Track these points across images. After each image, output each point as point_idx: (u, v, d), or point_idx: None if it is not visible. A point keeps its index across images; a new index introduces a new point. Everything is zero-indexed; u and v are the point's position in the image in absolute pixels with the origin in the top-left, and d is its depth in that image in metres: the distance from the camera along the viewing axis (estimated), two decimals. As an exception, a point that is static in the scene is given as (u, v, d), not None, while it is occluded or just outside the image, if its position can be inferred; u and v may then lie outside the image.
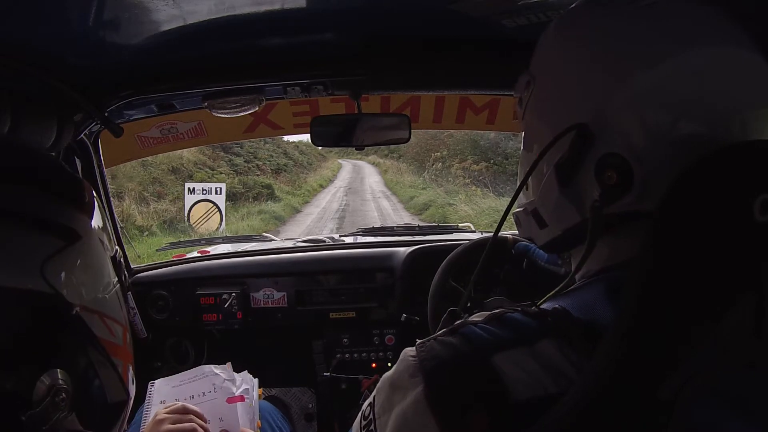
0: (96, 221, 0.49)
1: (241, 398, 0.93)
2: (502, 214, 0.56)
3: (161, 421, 0.79)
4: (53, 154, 0.93)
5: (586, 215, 0.45)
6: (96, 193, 0.51)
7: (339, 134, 1.13)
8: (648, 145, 0.42)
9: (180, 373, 0.99)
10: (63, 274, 0.43)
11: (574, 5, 0.51)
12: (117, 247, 0.55)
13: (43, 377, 0.40)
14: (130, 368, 0.52)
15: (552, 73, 0.50)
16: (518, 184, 0.55)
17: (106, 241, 0.51)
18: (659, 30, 0.43)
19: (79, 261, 0.45)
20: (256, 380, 1.02)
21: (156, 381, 0.99)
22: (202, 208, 8.88)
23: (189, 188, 9.16)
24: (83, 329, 0.44)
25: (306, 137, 1.19)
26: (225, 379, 0.96)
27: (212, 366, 0.99)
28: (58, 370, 0.41)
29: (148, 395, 0.96)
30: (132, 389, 0.52)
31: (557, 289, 0.48)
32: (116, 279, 0.52)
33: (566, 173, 0.46)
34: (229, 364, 1.02)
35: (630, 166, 0.42)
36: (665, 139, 0.41)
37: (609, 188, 0.43)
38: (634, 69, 0.42)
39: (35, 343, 0.40)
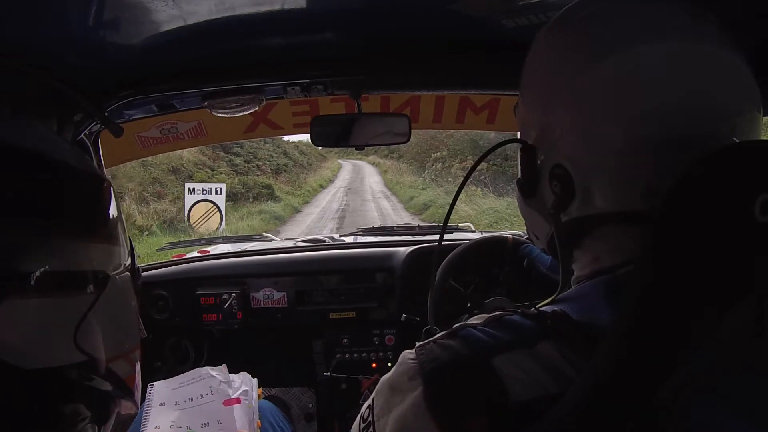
0: (120, 238, 0.44)
1: (237, 400, 0.93)
2: (512, 215, 0.58)
3: None
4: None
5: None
6: None
7: (339, 134, 1.13)
8: (583, 152, 0.43)
9: (178, 376, 1.00)
10: (95, 331, 0.40)
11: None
12: (128, 247, 0.49)
13: None
14: (139, 381, 0.50)
15: (524, 84, 0.52)
16: (513, 183, 0.57)
17: (124, 254, 0.46)
18: (593, 33, 0.44)
19: (108, 306, 0.41)
20: (255, 380, 1.02)
21: (155, 383, 0.99)
22: (202, 208, 8.88)
23: (189, 188, 9.16)
24: (110, 379, 0.42)
25: (306, 137, 1.19)
26: (221, 381, 0.96)
27: (208, 368, 0.99)
28: (89, 425, 0.40)
29: (147, 396, 0.96)
30: (139, 400, 0.51)
31: (554, 296, 0.49)
32: (135, 297, 0.48)
33: (526, 186, 0.50)
34: (224, 366, 1.02)
35: (570, 175, 0.44)
36: (610, 143, 0.42)
37: (558, 197, 0.46)
38: (569, 79, 0.44)
39: (62, 407, 0.39)
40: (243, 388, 0.98)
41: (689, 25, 0.43)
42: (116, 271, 0.44)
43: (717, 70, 0.42)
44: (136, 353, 0.48)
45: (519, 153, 0.50)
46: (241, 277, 1.55)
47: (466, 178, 0.58)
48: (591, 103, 0.42)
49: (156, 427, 0.88)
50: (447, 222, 0.62)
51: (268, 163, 16.99)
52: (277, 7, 0.75)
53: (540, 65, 0.49)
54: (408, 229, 1.93)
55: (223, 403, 0.93)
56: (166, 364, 1.58)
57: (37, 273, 0.36)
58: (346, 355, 1.56)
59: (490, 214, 9.86)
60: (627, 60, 0.41)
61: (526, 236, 1.32)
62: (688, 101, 0.41)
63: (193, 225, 8.82)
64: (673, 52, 0.41)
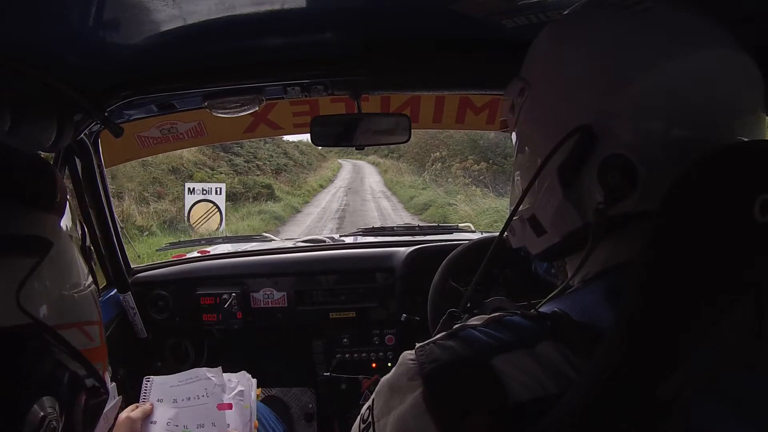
0: (66, 215, 0.45)
1: (229, 406, 0.94)
2: (508, 215, 0.56)
3: None
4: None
5: (588, 219, 0.45)
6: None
7: (339, 134, 1.13)
8: (649, 146, 0.42)
9: (176, 374, 1.00)
10: (39, 296, 0.40)
11: (568, 12, 0.51)
12: (79, 227, 0.50)
13: (32, 410, 0.38)
14: (107, 362, 0.50)
15: (550, 77, 0.50)
16: (512, 187, 0.55)
17: (72, 230, 0.47)
18: (659, 33, 0.44)
19: (54, 273, 0.42)
20: (254, 381, 1.02)
21: (153, 377, 0.99)
22: (202, 208, 8.87)
23: (189, 188, 9.15)
24: (64, 348, 0.42)
25: (306, 137, 1.19)
26: (216, 384, 0.96)
27: (205, 369, 0.99)
28: (45, 398, 0.39)
29: (144, 389, 0.96)
30: (108, 384, 0.50)
31: (554, 293, 0.48)
32: (89, 273, 0.48)
33: (569, 177, 0.46)
34: (220, 368, 1.02)
35: (634, 166, 0.42)
36: (665, 139, 0.42)
37: (613, 189, 0.43)
38: (634, 71, 0.43)
39: (18, 379, 0.38)
40: (239, 388, 0.98)
41: (724, 35, 0.44)
42: (60, 241, 0.44)
43: (737, 72, 0.43)
44: (95, 328, 0.48)
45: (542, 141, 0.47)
46: (241, 277, 1.55)
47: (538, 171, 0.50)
48: (664, 96, 0.42)
49: (152, 422, 0.89)
50: (506, 227, 0.57)
51: (268, 163, 16.97)
52: (277, 7, 0.75)
53: (602, 48, 0.46)
54: (408, 229, 1.93)
55: (217, 407, 0.93)
56: (166, 364, 1.58)
57: None
58: (346, 355, 1.56)
59: (490, 214, 9.86)
60: (689, 63, 0.42)
61: None
62: (715, 103, 0.42)
63: (193, 225, 8.81)
64: (719, 58, 0.43)
